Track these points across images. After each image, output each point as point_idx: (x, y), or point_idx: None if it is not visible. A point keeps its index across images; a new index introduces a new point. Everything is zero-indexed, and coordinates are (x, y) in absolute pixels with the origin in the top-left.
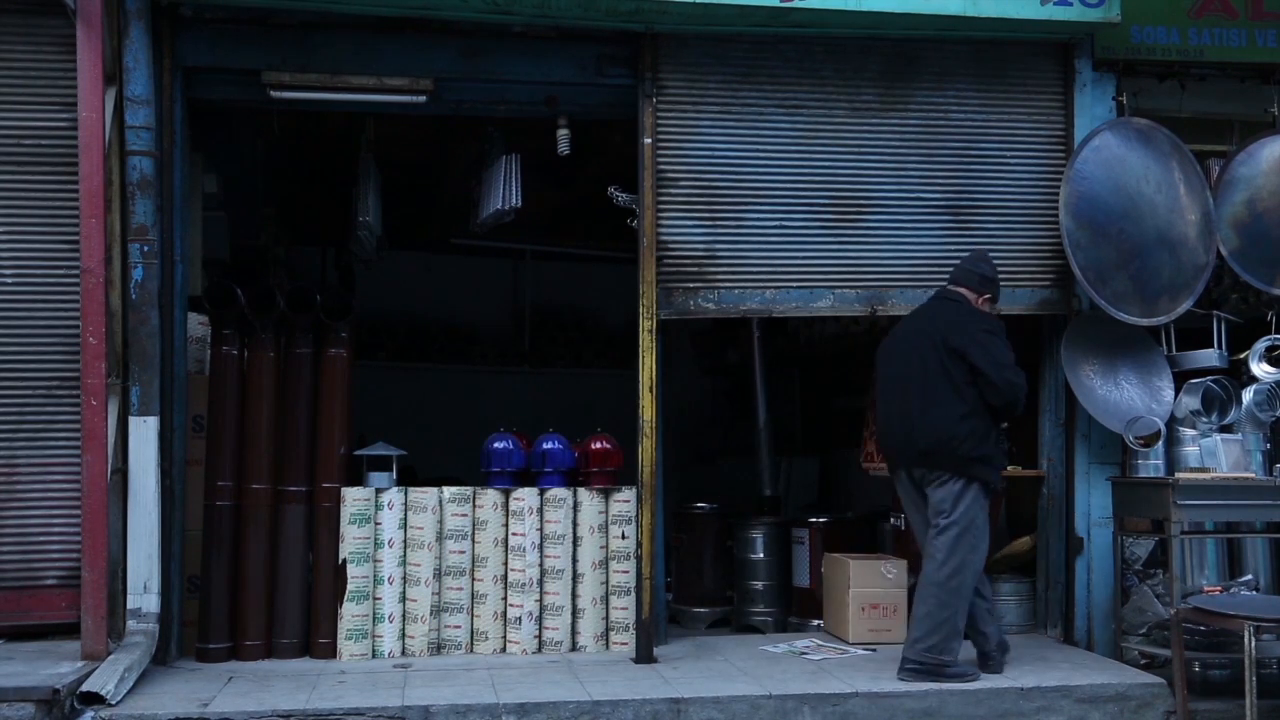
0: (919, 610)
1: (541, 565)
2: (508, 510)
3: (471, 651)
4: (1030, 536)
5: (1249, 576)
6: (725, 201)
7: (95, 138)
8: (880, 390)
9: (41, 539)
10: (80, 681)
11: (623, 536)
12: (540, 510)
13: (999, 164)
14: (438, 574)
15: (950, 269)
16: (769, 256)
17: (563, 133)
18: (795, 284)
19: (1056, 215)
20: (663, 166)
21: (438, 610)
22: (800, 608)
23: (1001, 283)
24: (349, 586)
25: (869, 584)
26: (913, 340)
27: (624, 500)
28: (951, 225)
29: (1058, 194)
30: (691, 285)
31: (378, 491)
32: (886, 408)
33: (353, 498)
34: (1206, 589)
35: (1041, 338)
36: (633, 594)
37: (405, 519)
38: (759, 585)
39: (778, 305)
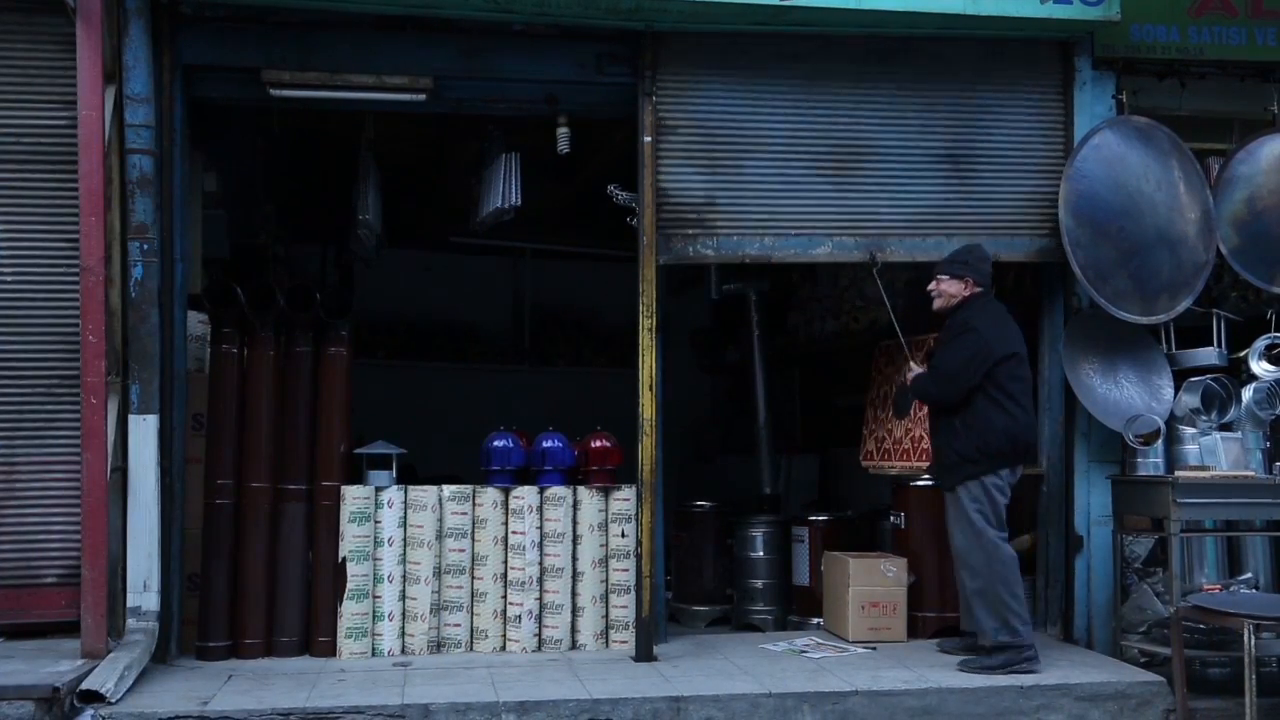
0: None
1: (541, 563)
2: (507, 508)
3: (471, 650)
4: (1030, 535)
5: (1248, 575)
6: (725, 149)
7: (95, 136)
8: (1018, 387)
9: (41, 537)
10: (80, 680)
11: (622, 535)
12: (540, 508)
13: (998, 119)
14: (437, 572)
15: (948, 216)
16: (768, 204)
17: (562, 131)
18: (794, 231)
19: (1056, 163)
20: (663, 114)
21: (437, 608)
22: (800, 606)
23: (1000, 233)
24: (349, 585)
25: (869, 582)
26: (1018, 331)
27: (624, 498)
28: (950, 171)
29: (1059, 150)
30: (691, 232)
31: (377, 490)
32: (1024, 405)
33: (353, 496)
34: (1206, 587)
35: (1040, 330)
36: (632, 592)
37: (405, 517)
38: (759, 583)
39: (776, 252)
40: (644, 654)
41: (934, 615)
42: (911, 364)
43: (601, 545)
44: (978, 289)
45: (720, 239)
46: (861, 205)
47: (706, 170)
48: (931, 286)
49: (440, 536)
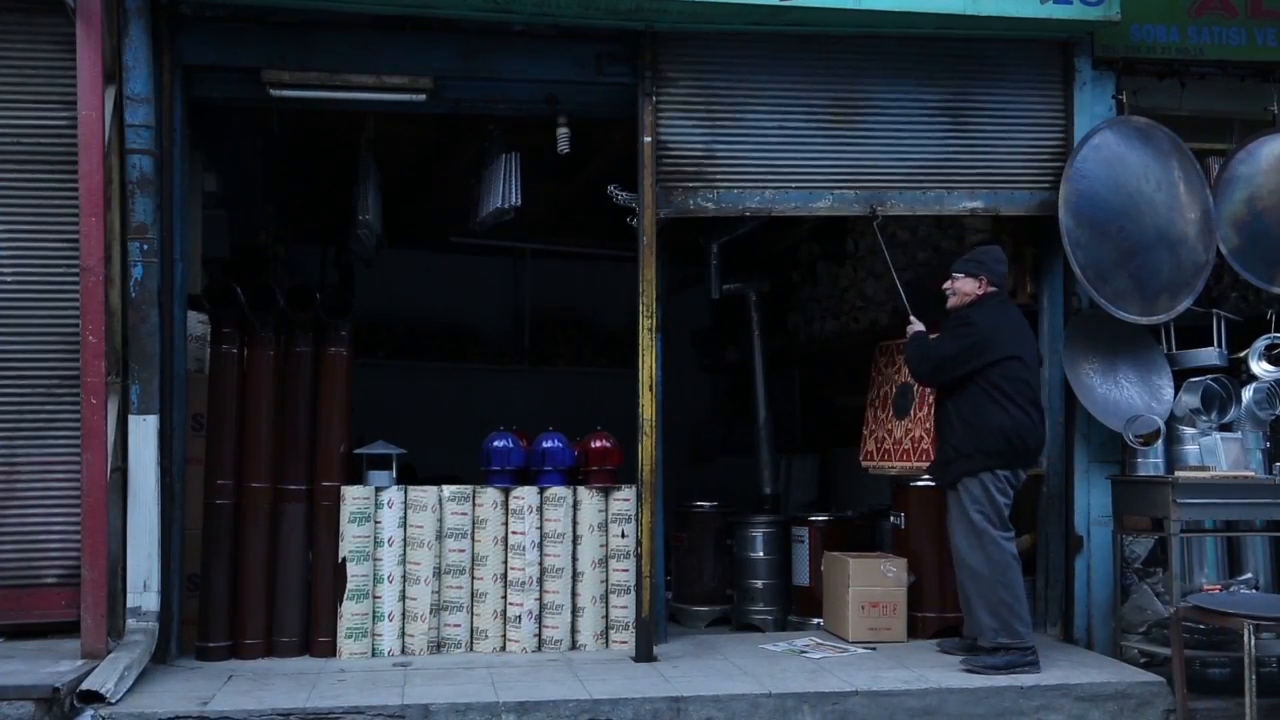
0: None
1: (541, 564)
2: (507, 509)
3: (471, 650)
4: (1030, 535)
5: (1248, 575)
6: (724, 102)
7: (95, 136)
8: (1017, 388)
9: (41, 537)
10: (80, 680)
11: (622, 535)
12: (540, 509)
13: (999, 74)
14: (437, 572)
15: (949, 170)
16: (768, 157)
17: (562, 131)
18: (794, 184)
19: (1057, 120)
20: (662, 67)
21: (437, 609)
22: (800, 606)
23: (1000, 187)
24: (349, 585)
25: (868, 582)
26: (1027, 335)
27: (624, 499)
28: (950, 126)
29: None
30: (691, 185)
31: (377, 490)
32: (1024, 407)
33: (352, 496)
34: (1206, 587)
35: (1040, 330)
36: (632, 592)
37: (405, 517)
38: (759, 584)
39: (777, 205)
40: (644, 654)
41: (934, 615)
42: (912, 318)
43: (601, 545)
44: (991, 289)
45: (720, 192)
46: (862, 158)
47: (706, 123)
48: (946, 285)
49: (440, 537)
